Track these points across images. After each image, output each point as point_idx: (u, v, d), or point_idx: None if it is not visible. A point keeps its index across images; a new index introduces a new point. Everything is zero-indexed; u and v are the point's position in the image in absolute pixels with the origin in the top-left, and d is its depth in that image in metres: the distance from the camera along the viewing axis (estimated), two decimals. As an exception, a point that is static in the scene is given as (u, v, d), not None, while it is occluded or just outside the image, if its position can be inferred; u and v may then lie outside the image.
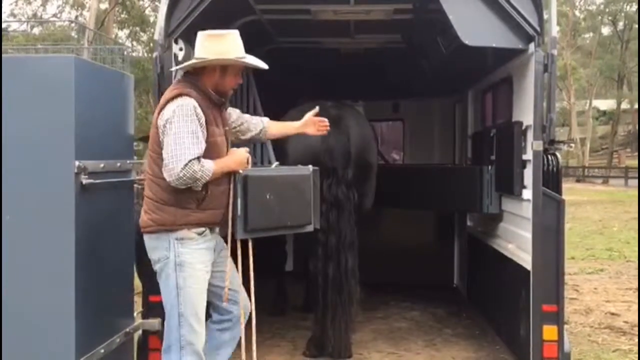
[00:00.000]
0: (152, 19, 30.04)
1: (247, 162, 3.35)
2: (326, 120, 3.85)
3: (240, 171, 3.27)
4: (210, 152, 3.25)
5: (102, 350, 3.48)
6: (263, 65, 3.47)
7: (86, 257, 3.33)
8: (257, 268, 3.52)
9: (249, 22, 5.04)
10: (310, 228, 3.52)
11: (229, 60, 3.34)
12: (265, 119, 3.88)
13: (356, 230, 4.76)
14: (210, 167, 3.20)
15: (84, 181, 3.28)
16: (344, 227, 4.66)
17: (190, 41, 4.24)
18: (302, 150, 4.78)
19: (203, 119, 3.23)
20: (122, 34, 33.52)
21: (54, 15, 33.39)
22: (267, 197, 3.27)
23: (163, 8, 4.04)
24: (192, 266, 3.27)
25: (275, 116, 5.48)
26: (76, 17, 31.40)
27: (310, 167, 3.57)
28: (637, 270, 9.40)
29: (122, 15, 31.48)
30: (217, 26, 3.47)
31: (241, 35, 3.41)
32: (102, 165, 3.45)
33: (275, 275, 6.16)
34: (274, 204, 3.30)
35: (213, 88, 3.37)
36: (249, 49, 3.44)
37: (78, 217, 3.24)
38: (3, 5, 20.54)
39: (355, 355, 4.75)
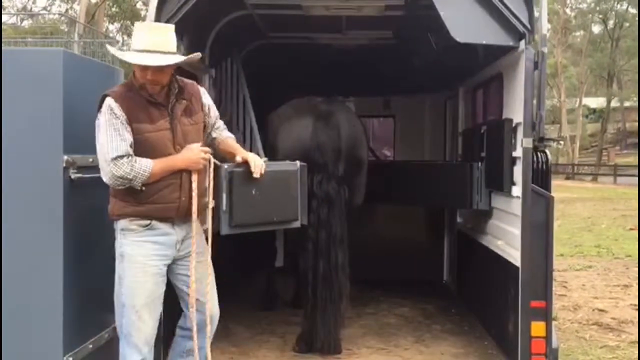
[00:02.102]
0: (143, 13, 29.87)
1: (209, 162, 3.22)
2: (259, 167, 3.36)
3: (225, 166, 3.23)
4: (142, 149, 3.13)
5: (91, 346, 3.47)
6: (135, 61, 3.12)
7: (74, 252, 3.31)
8: (247, 263, 3.49)
9: (240, 16, 5.00)
10: (297, 224, 3.51)
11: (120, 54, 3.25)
12: (226, 135, 3.54)
13: (346, 226, 4.77)
14: (146, 165, 3.10)
15: (73, 176, 3.27)
16: (334, 223, 4.66)
17: (181, 35, 4.21)
18: (292, 146, 4.77)
19: (124, 117, 3.10)
20: (113, 27, 33.38)
21: (44, 8, 33.19)
22: (253, 192, 3.25)
23: (154, 1, 4.00)
24: (131, 258, 3.19)
25: (266, 112, 5.49)
26: (66, 10, 31.24)
27: (298, 162, 3.55)
28: (624, 267, 9.47)
29: (113, 9, 31.32)
30: (208, 20, 3.45)
31: (232, 30, 3.37)
32: (90, 159, 3.43)
33: (265, 271, 6.16)
34: (260, 200, 3.28)
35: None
36: (240, 44, 3.41)
37: (66, 211, 3.23)
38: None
39: (344, 351, 4.76)
